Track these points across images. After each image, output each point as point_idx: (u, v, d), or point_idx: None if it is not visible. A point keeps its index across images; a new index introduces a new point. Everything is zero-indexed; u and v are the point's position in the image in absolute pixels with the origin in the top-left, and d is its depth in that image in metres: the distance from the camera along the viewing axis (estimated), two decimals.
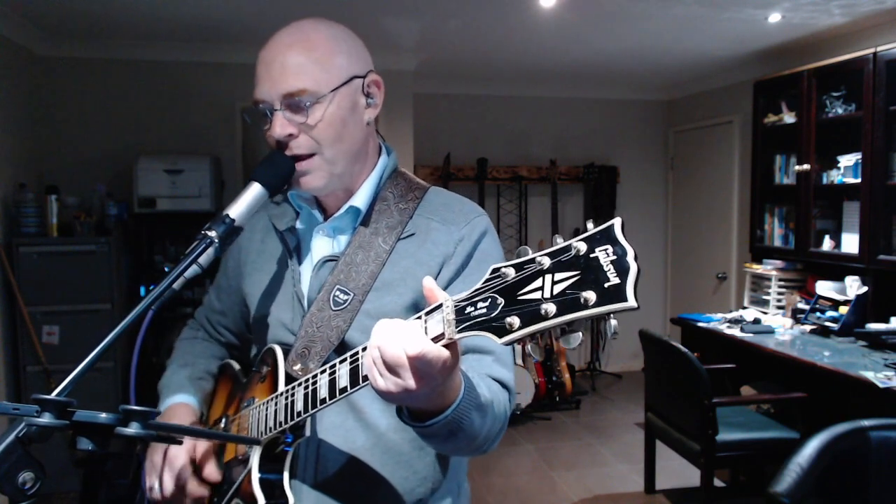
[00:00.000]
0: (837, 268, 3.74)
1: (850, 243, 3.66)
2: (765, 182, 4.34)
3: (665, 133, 6.15)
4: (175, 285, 0.88)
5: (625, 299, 0.60)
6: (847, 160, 3.68)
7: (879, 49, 3.43)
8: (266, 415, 1.03)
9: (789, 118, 4.10)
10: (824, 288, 3.73)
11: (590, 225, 0.58)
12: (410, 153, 4.88)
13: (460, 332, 0.72)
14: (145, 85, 4.41)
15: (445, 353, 0.74)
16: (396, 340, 0.74)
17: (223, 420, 1.17)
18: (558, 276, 0.64)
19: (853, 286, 3.55)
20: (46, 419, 0.68)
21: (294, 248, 1.15)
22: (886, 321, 3.35)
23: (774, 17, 3.74)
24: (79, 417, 0.69)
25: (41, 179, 4.11)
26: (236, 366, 1.27)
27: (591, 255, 0.62)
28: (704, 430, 2.98)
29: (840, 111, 3.76)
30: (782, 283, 4.12)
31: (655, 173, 6.16)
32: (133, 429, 0.70)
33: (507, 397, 1.03)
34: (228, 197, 4.15)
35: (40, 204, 3.69)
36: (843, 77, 3.74)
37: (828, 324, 3.54)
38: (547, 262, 0.65)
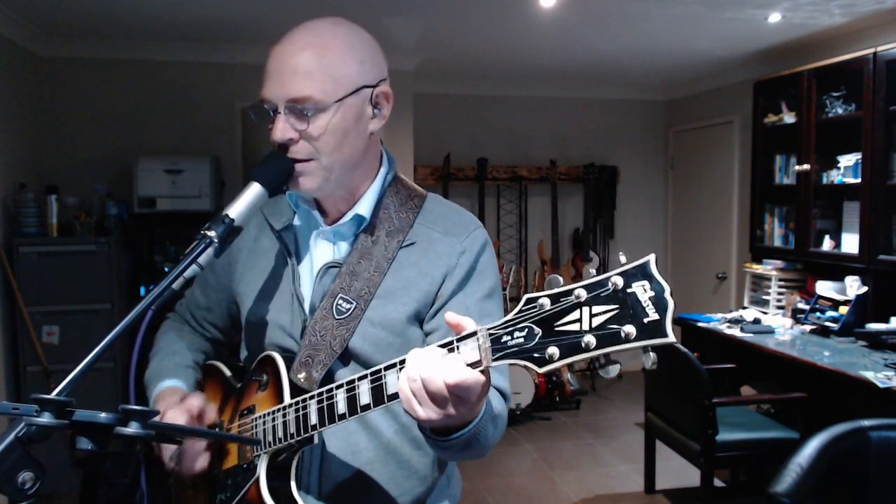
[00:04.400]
0: (837, 268, 3.73)
1: (850, 243, 3.66)
2: (765, 182, 4.33)
3: (665, 133, 6.15)
4: (175, 285, 0.88)
5: (665, 335, 0.64)
6: (847, 160, 3.68)
7: (879, 49, 3.43)
8: (274, 425, 1.02)
9: (789, 118, 4.10)
10: (824, 288, 3.73)
11: (622, 258, 0.63)
12: (410, 153, 4.88)
13: (497, 359, 0.75)
14: (145, 85, 4.41)
15: (482, 378, 0.78)
16: (438, 372, 0.77)
17: (217, 427, 1.15)
18: (596, 308, 0.68)
19: (853, 286, 3.54)
20: (46, 419, 0.68)
21: (293, 248, 1.14)
22: (886, 321, 3.34)
23: (774, 17, 3.74)
24: (78, 417, 0.69)
25: (41, 179, 4.10)
26: (225, 369, 1.25)
27: (629, 290, 0.66)
28: (704, 430, 2.98)
29: (840, 111, 3.76)
30: (782, 283, 4.12)
31: (655, 173, 6.16)
32: (132, 428, 0.70)
33: (506, 405, 1.07)
34: (228, 197, 4.14)
35: (40, 204, 3.68)
36: (843, 77, 3.74)
37: (828, 324, 3.54)
38: (584, 294, 0.68)
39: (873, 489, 1.75)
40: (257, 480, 1.02)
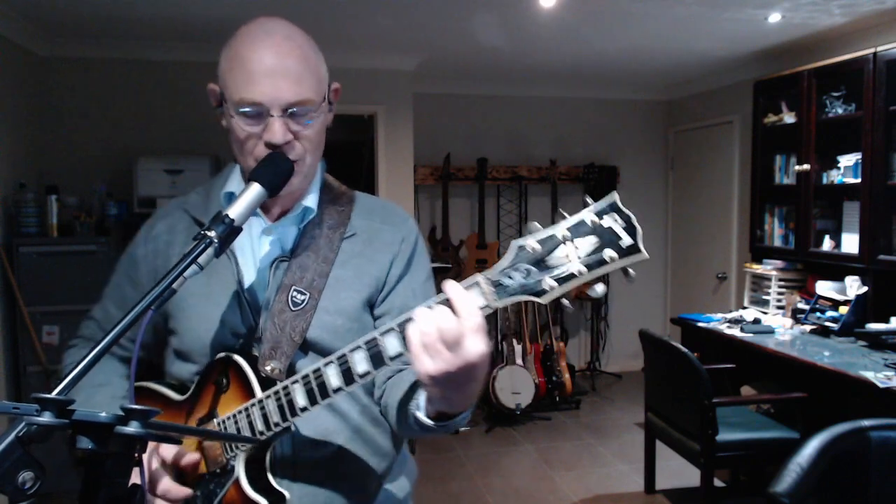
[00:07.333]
0: (837, 268, 3.73)
1: (850, 243, 3.65)
2: (765, 182, 4.33)
3: (665, 133, 6.15)
4: (175, 285, 0.88)
5: (640, 252, 0.77)
6: (847, 160, 3.68)
7: (879, 49, 3.43)
8: (250, 421, 1.01)
9: (789, 118, 4.10)
10: (824, 288, 3.73)
11: (589, 200, 0.72)
12: (410, 153, 4.88)
13: (502, 299, 0.82)
14: (145, 85, 4.40)
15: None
16: (447, 316, 0.79)
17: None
18: (579, 242, 0.78)
19: (853, 286, 3.54)
20: (46, 418, 0.68)
21: (232, 249, 1.11)
22: (886, 321, 3.34)
23: (774, 17, 3.74)
24: (78, 416, 0.69)
25: (41, 179, 4.10)
26: (157, 386, 1.17)
27: (604, 224, 0.77)
28: (704, 430, 2.98)
29: (840, 111, 3.76)
30: (782, 283, 4.12)
31: (655, 173, 6.16)
32: (133, 428, 0.70)
33: None
34: None
35: (40, 204, 3.68)
36: (843, 77, 3.74)
37: (828, 324, 3.54)
38: (567, 233, 0.79)
39: (873, 489, 1.75)
40: (237, 480, 1.02)
